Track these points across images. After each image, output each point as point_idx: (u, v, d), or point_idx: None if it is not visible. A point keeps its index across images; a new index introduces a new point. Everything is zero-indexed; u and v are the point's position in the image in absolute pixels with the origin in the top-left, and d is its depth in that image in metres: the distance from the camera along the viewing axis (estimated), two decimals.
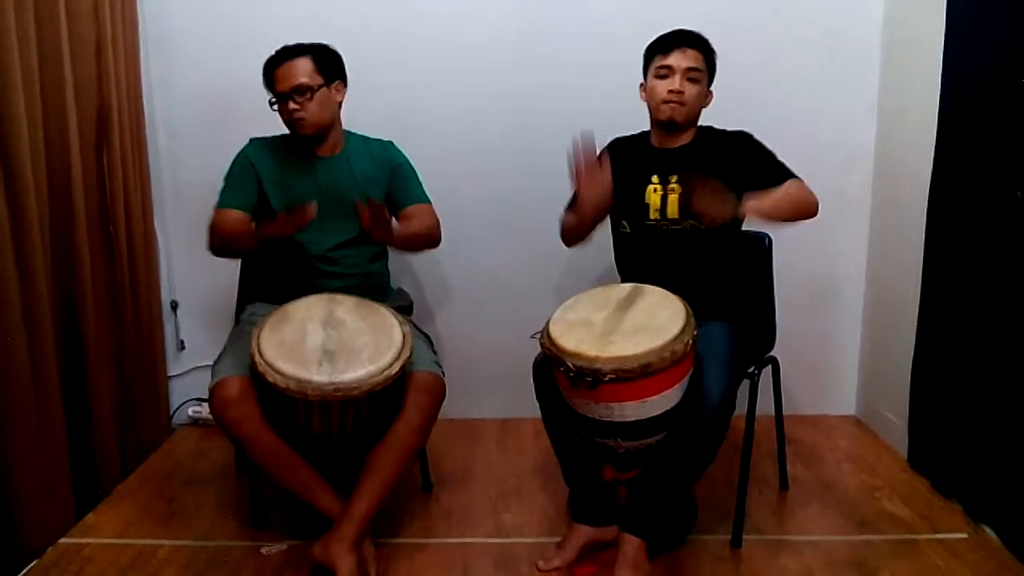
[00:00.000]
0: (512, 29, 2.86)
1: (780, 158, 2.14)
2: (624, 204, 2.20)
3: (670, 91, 2.12)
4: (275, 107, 2.25)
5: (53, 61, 2.26)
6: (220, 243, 2.28)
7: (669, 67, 2.13)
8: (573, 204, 2.19)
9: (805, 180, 2.10)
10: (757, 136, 2.20)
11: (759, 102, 2.82)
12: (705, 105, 2.19)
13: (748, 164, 2.12)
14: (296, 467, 2.05)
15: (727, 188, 1.97)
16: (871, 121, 2.91)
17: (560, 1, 2.85)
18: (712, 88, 2.20)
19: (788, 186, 2.07)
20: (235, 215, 2.27)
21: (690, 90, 2.12)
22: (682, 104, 2.12)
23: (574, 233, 2.24)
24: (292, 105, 2.21)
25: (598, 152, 2.12)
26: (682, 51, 2.12)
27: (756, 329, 2.28)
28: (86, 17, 2.42)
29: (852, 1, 2.85)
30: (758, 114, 2.76)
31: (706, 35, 2.20)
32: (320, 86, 2.23)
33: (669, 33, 2.17)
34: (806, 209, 2.08)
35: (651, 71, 2.18)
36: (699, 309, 1.99)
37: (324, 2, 2.85)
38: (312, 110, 2.22)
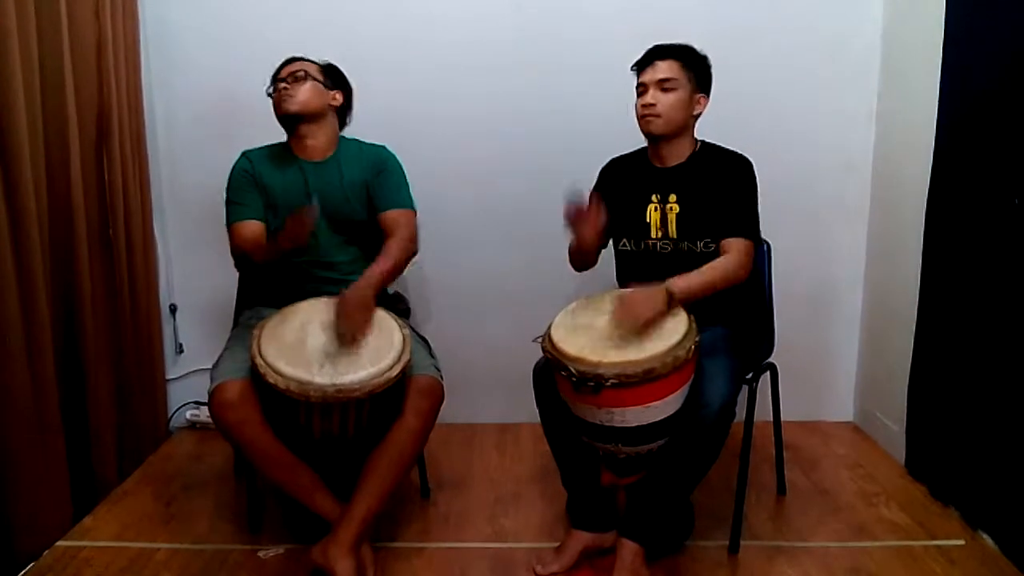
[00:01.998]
0: (511, 32, 2.86)
1: (756, 208, 2.14)
2: (625, 224, 2.20)
3: (643, 105, 2.14)
4: (271, 95, 2.28)
5: (54, 62, 2.26)
6: (245, 261, 2.30)
7: (643, 84, 2.15)
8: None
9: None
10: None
11: (759, 107, 2.84)
12: (696, 113, 2.17)
13: (729, 192, 2.13)
14: (295, 470, 2.05)
15: (648, 289, 1.99)
16: (870, 126, 2.92)
17: (560, 4, 2.86)
18: (705, 95, 2.18)
19: (719, 264, 2.07)
20: (253, 228, 2.27)
21: (663, 100, 2.12)
22: (657, 115, 2.12)
23: (579, 263, 2.26)
24: (283, 84, 2.25)
25: (588, 194, 2.14)
26: (653, 65, 2.14)
27: (755, 335, 2.28)
28: (87, 19, 2.43)
29: (852, 6, 2.86)
30: (758, 118, 2.80)
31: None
32: (317, 80, 2.29)
33: (645, 52, 2.18)
34: (732, 282, 2.09)
35: (635, 92, 2.20)
36: (699, 315, 1.99)
37: (324, 5, 2.85)
38: (300, 90, 2.26)
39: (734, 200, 2.13)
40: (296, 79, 2.26)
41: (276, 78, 2.29)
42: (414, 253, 2.33)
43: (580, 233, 2.10)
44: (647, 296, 1.97)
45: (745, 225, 2.12)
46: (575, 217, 2.06)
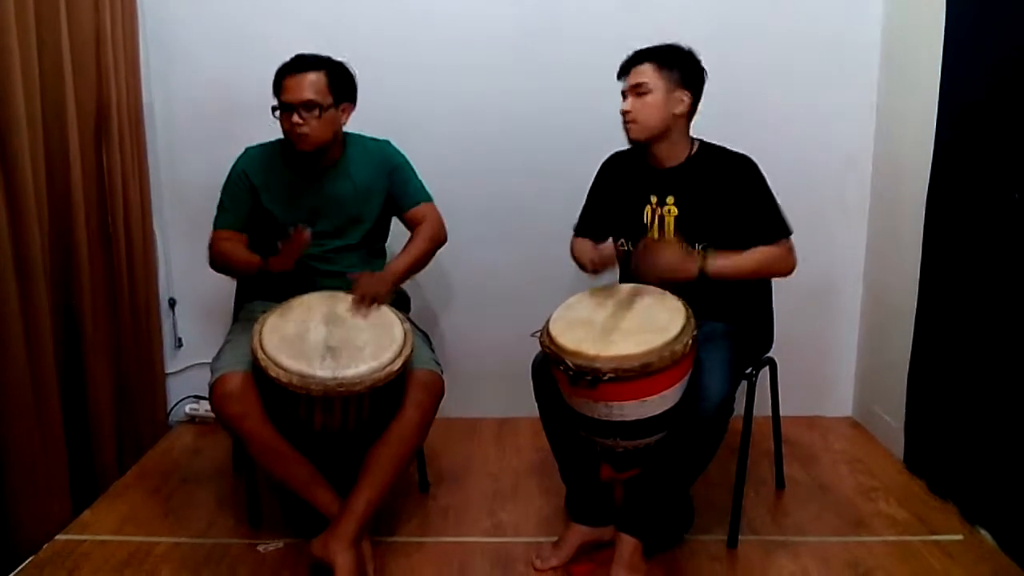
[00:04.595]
0: (511, 30, 2.86)
1: (777, 204, 2.13)
2: (623, 224, 2.19)
3: (620, 112, 2.14)
4: (276, 114, 2.20)
5: (52, 55, 2.26)
6: (224, 269, 2.33)
7: (623, 92, 2.15)
8: (581, 230, 2.26)
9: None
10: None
11: (758, 102, 2.84)
12: (678, 111, 2.12)
13: (745, 200, 2.11)
14: (295, 464, 2.05)
15: (686, 245, 2.04)
16: (870, 122, 2.91)
17: (561, 2, 2.85)
18: (689, 91, 2.13)
19: (767, 252, 2.09)
20: (235, 238, 2.30)
21: (637, 106, 2.11)
22: (633, 122, 2.12)
23: (587, 270, 2.25)
24: (296, 119, 2.15)
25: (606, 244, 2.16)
26: (628, 73, 2.14)
27: (754, 330, 2.28)
28: (86, 11, 2.42)
29: (852, 3, 2.85)
30: (757, 114, 2.80)
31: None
32: (328, 106, 2.18)
33: (624, 59, 2.17)
34: (776, 274, 2.18)
35: None
36: (698, 310, 1.99)
37: (324, 0, 2.84)
38: (315, 127, 2.17)
39: (758, 208, 2.11)
40: (308, 111, 2.15)
41: (282, 99, 2.17)
42: (443, 241, 2.39)
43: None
44: (680, 257, 2.01)
45: (778, 227, 2.12)
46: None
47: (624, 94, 2.15)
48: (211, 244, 2.31)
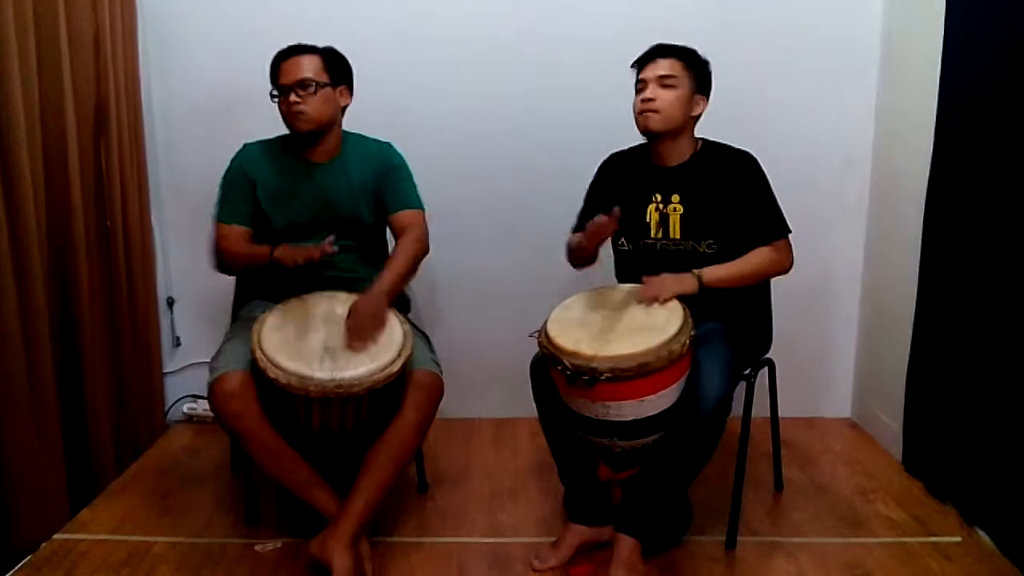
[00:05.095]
0: (510, 29, 2.86)
1: (777, 203, 2.14)
2: (624, 222, 2.18)
3: (642, 100, 2.11)
4: (276, 100, 2.22)
5: (51, 52, 2.25)
6: (229, 266, 2.31)
7: (643, 80, 2.13)
8: (579, 229, 2.21)
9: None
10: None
11: (758, 104, 2.83)
12: (695, 113, 2.15)
13: (746, 196, 2.12)
14: (294, 464, 2.05)
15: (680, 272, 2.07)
16: (869, 123, 2.91)
17: (559, 1, 2.85)
18: (705, 97, 2.16)
19: (763, 256, 2.11)
20: (239, 233, 2.27)
21: (663, 96, 2.09)
22: (655, 111, 2.09)
23: (580, 261, 2.24)
24: (293, 98, 2.17)
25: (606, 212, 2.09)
26: (654, 62, 2.12)
27: (753, 331, 2.28)
28: (84, 9, 2.41)
29: (852, 3, 2.86)
30: (757, 116, 2.80)
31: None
32: (325, 84, 2.21)
33: (647, 50, 2.16)
34: (774, 275, 2.20)
35: (635, 90, 2.18)
36: (696, 310, 2.00)
37: None
38: (313, 105, 2.19)
39: (757, 205, 2.12)
40: (305, 89, 2.18)
41: (280, 83, 2.20)
42: (425, 252, 2.32)
43: (593, 242, 2.10)
44: (677, 278, 2.04)
45: (776, 226, 2.13)
46: (599, 230, 2.05)
47: (643, 83, 2.12)
48: (216, 241, 2.28)
